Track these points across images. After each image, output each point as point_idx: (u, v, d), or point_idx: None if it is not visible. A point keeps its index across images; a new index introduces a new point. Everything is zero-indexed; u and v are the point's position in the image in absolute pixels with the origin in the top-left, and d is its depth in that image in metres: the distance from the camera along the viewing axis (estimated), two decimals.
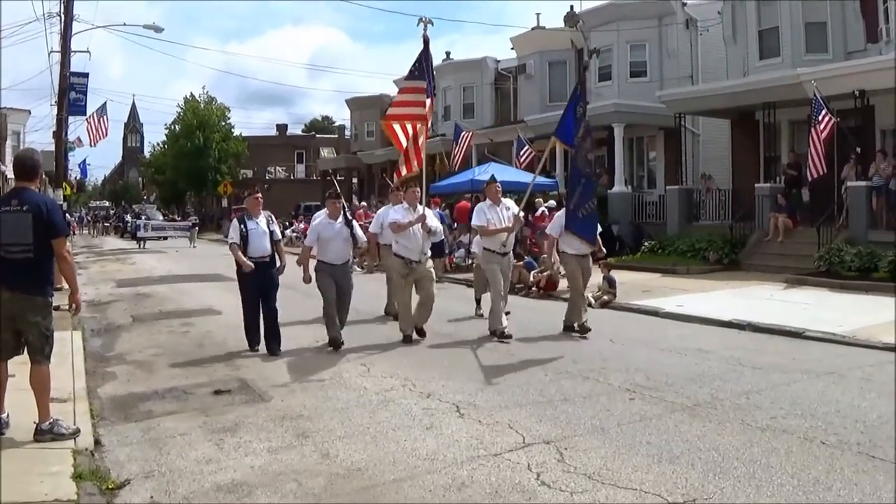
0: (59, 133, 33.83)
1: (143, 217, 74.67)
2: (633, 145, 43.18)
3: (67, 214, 50.37)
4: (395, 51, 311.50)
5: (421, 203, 17.05)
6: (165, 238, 60.16)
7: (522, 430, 9.75)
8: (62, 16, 33.47)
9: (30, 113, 70.50)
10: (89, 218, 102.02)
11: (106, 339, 17.50)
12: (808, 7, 33.51)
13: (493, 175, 19.39)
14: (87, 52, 40.26)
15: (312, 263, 16.25)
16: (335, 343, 15.61)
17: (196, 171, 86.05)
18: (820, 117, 26.15)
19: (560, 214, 17.80)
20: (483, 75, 57.14)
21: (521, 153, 37.92)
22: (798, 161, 30.83)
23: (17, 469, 8.19)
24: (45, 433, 9.22)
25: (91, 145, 46.59)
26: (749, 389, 11.76)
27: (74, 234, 74.53)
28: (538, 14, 63.75)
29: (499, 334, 16.42)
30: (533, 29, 53.39)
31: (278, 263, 15.85)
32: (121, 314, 21.39)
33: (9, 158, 56.06)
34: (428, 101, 17.32)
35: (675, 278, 26.79)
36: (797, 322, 16.82)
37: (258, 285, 15.56)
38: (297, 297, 19.64)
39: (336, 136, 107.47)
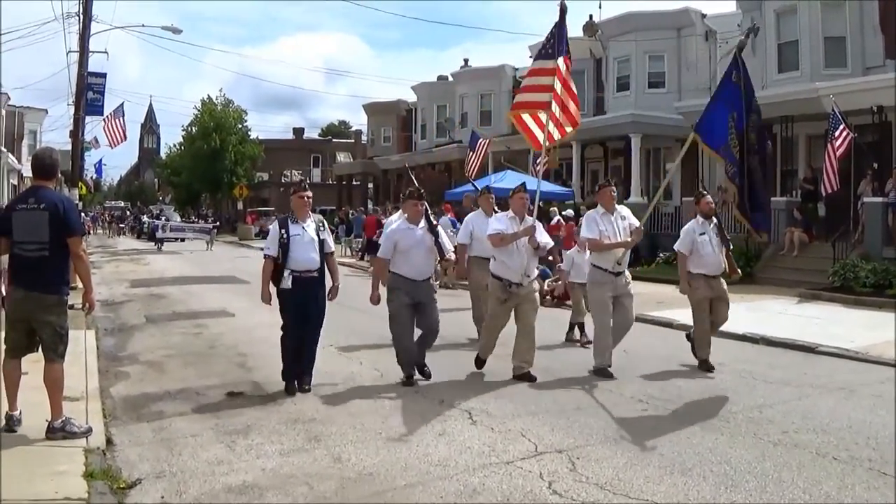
0: (76, 133, 33.84)
1: (163, 218, 73.44)
2: (650, 156, 43.16)
3: (83, 214, 50.45)
4: (410, 57, 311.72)
5: (531, 213, 14.05)
6: (182, 240, 59.90)
7: (535, 439, 9.74)
8: (81, 16, 33.52)
9: (47, 112, 70.76)
10: (105, 218, 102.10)
11: (119, 339, 17.54)
12: (827, 22, 33.50)
13: (607, 179, 16.16)
14: (105, 52, 40.20)
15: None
16: (409, 380, 12.99)
17: (212, 174, 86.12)
18: (837, 132, 26.14)
19: (687, 228, 15.20)
20: (501, 82, 57.17)
21: (538, 161, 37.86)
22: (815, 175, 30.80)
23: (29, 467, 8.22)
24: (57, 431, 9.23)
25: (111, 147, 46.69)
26: (761, 403, 11.72)
27: (89, 233, 74.59)
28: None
29: (602, 373, 13.72)
30: None
31: (330, 282, 12.85)
32: (134, 314, 21.43)
33: (25, 157, 56.29)
34: (563, 65, 14.52)
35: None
36: (810, 337, 16.78)
37: (301, 307, 12.47)
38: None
39: (352, 140, 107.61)
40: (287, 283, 12.34)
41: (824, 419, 10.75)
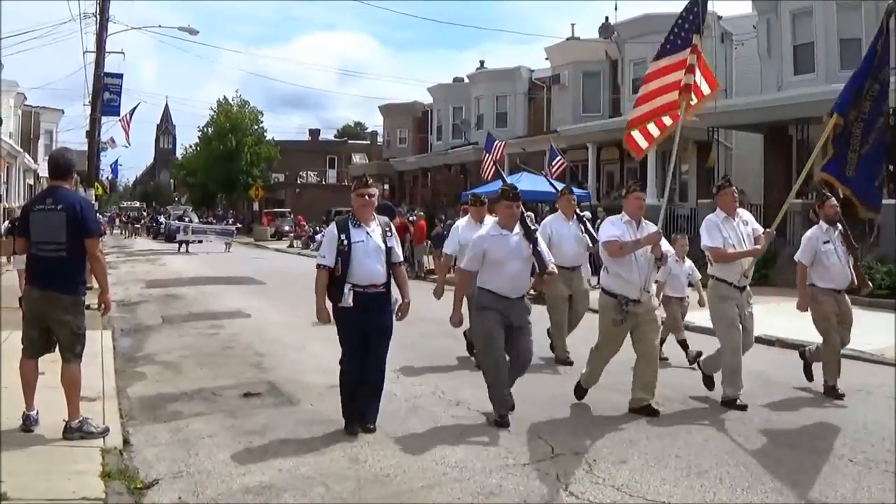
0: (93, 133, 33.97)
1: (187, 218, 72.21)
2: (666, 158, 43.07)
3: (99, 214, 50.58)
4: (426, 59, 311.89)
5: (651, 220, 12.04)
6: (200, 241, 58.91)
7: (551, 441, 9.74)
8: (97, 16, 33.64)
9: (63, 112, 71.09)
10: (122, 219, 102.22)
11: (135, 340, 17.62)
12: (843, 23, 33.37)
13: (727, 177, 14.47)
14: (122, 52, 40.43)
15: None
16: (501, 421, 10.59)
17: (227, 175, 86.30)
18: None
19: (809, 236, 13.57)
20: (517, 84, 57.17)
21: (554, 163, 37.82)
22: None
23: (46, 466, 8.25)
24: (74, 431, 9.24)
25: (127, 145, 46.83)
26: (777, 406, 11.72)
27: (105, 234, 74.68)
28: (573, 25, 63.86)
29: (734, 405, 11.69)
30: (567, 39, 53.45)
31: (398, 299, 10.67)
32: (150, 315, 21.48)
33: (41, 157, 56.45)
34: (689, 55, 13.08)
35: (704, 293, 26.69)
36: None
37: (363, 329, 10.37)
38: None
39: (368, 142, 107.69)
40: (347, 300, 10.11)
41: (840, 421, 10.74)
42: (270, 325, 18.16)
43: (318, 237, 56.40)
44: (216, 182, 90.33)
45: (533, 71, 57.12)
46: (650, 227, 11.57)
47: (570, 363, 14.69)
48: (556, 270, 11.41)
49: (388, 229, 10.63)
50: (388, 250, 10.44)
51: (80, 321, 9.61)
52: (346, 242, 10.20)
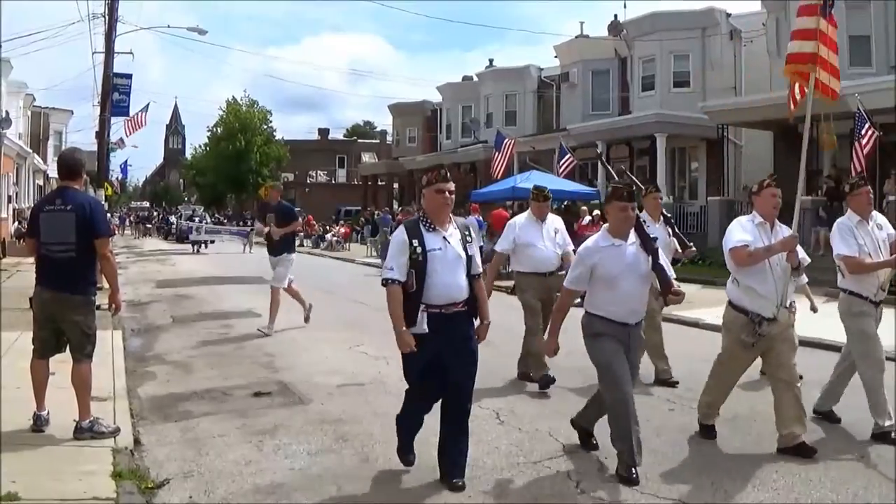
0: (102, 133, 33.97)
1: (198, 218, 70.22)
2: (676, 156, 43.11)
3: (110, 215, 50.58)
4: (435, 59, 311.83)
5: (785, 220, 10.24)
6: (212, 241, 57.91)
7: (562, 439, 9.72)
8: (106, 17, 33.65)
9: (72, 113, 71.13)
10: (132, 219, 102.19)
11: (145, 339, 17.60)
12: (852, 21, 33.33)
13: (862, 177, 12.08)
14: (131, 53, 40.47)
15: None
16: (629, 476, 8.36)
17: (237, 174, 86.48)
18: (863, 131, 26.04)
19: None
20: (526, 83, 57.15)
21: (562, 161, 37.81)
22: (839, 175, 30.65)
23: (56, 466, 8.27)
24: (85, 431, 9.26)
25: (126, 134, 46.82)
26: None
27: (115, 234, 74.62)
28: (582, 23, 63.97)
29: (887, 438, 9.72)
30: (576, 37, 53.46)
31: (479, 319, 8.57)
32: (160, 315, 21.46)
33: (51, 158, 56.53)
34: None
35: (715, 290, 26.53)
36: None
37: (439, 357, 8.26)
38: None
39: (377, 141, 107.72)
40: (422, 325, 8.12)
41: (852, 419, 10.68)
42: (281, 324, 18.11)
43: (328, 236, 56.29)
44: (226, 182, 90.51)
45: (542, 69, 57.11)
46: (784, 231, 9.89)
47: (674, 384, 12.93)
48: (683, 290, 9.10)
49: (467, 233, 8.49)
50: (469, 259, 8.36)
51: (91, 321, 9.62)
52: (419, 251, 8.13)
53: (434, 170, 8.65)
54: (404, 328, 8.12)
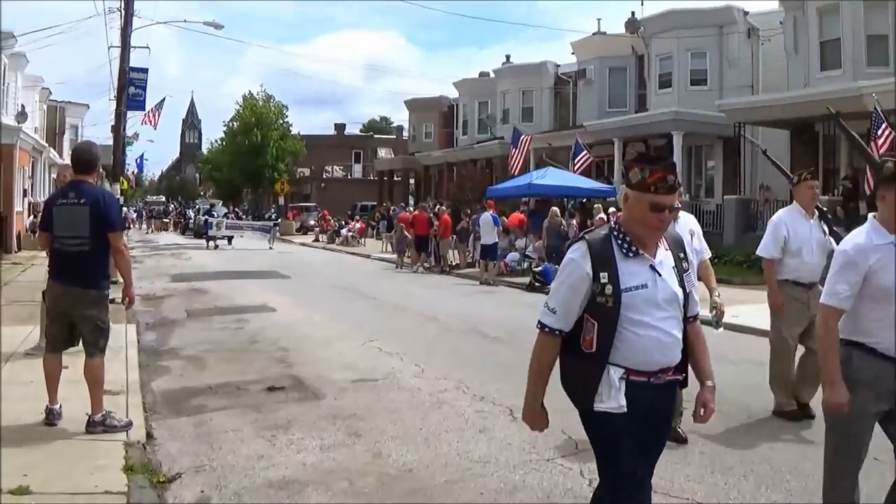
0: (118, 127, 34.03)
1: (216, 213, 64.65)
2: (692, 154, 42.99)
3: (125, 209, 50.56)
4: (452, 55, 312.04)
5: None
6: (231, 237, 56.70)
7: (575, 436, 9.64)
8: (122, 11, 33.68)
9: (88, 107, 71.25)
10: (147, 213, 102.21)
11: (160, 334, 17.60)
12: (870, 20, 33.26)
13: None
14: (147, 47, 40.40)
15: None
16: None
17: (253, 169, 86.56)
18: (880, 131, 25.95)
19: None
20: (542, 79, 57.00)
21: (578, 158, 37.78)
22: (856, 174, 30.58)
23: (68, 460, 8.24)
24: (98, 425, 9.23)
25: (142, 123, 46.93)
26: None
27: (130, 228, 74.71)
28: (599, 19, 63.83)
29: None
30: (594, 34, 53.29)
31: (699, 379, 5.79)
32: (175, 309, 21.51)
33: (66, 152, 56.59)
34: None
35: (730, 288, 26.50)
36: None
37: (639, 441, 5.43)
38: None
39: (394, 136, 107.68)
40: (617, 398, 5.25)
41: None
42: (295, 319, 18.15)
43: (343, 231, 56.16)
44: (242, 176, 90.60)
45: (559, 66, 56.95)
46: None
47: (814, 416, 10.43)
48: None
49: (682, 255, 5.49)
50: (686, 297, 5.40)
51: (104, 315, 9.60)
52: (608, 292, 5.10)
53: (660, 170, 5.12)
54: (537, 401, 5.93)
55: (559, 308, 5.28)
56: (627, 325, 5.10)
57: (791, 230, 10.63)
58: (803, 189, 10.82)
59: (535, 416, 5.91)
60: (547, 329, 5.38)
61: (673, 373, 5.39)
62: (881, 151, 25.85)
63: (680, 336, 5.31)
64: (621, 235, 5.22)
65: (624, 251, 5.17)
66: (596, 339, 5.18)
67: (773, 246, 10.68)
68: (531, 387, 5.82)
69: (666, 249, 5.36)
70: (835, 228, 11.03)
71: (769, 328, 11.19)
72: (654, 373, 5.23)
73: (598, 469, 5.72)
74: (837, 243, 8.98)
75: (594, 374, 5.25)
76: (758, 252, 11.01)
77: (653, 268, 5.20)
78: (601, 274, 5.10)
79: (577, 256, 5.22)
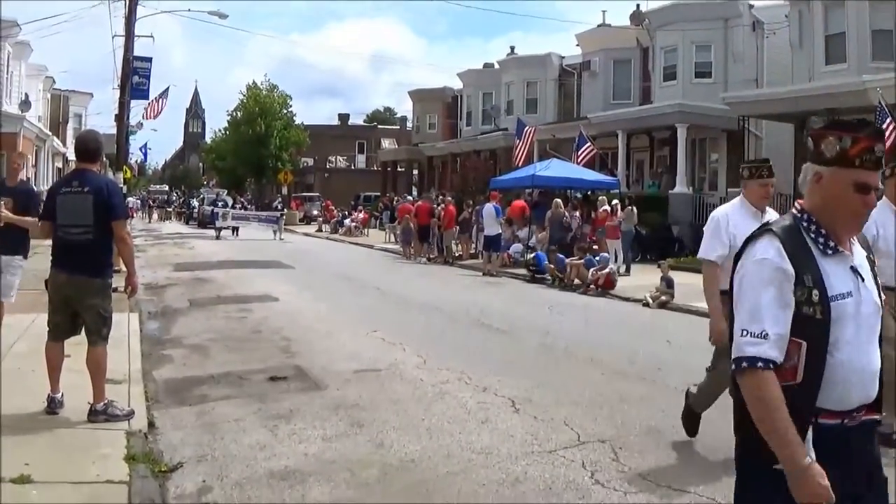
0: (122, 116, 34.00)
1: (221, 203, 64.48)
2: (696, 146, 42.93)
3: (128, 198, 50.54)
4: (456, 47, 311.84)
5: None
6: (237, 228, 55.87)
7: (578, 428, 9.68)
8: (127, 0, 33.66)
9: (92, 96, 71.33)
10: (150, 202, 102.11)
11: (163, 323, 17.61)
12: (875, 14, 33.20)
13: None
14: (151, 36, 40.40)
15: None
16: None
17: (256, 159, 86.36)
18: (884, 125, 25.91)
19: None
20: (547, 71, 56.91)
21: (582, 150, 37.72)
22: None
23: (70, 449, 8.27)
24: (100, 414, 9.23)
25: (143, 118, 46.97)
26: None
27: (133, 217, 74.72)
28: (604, 12, 63.82)
29: None
30: (599, 26, 53.30)
31: None
32: (178, 298, 21.50)
33: (70, 140, 56.65)
34: None
35: None
36: None
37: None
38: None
39: (398, 127, 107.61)
40: (808, 451, 3.65)
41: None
42: (299, 309, 18.15)
43: (346, 221, 56.04)
44: (245, 166, 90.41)
45: (563, 57, 56.86)
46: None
47: None
48: None
49: (872, 256, 4.23)
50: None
51: (107, 304, 9.59)
52: (816, 299, 3.80)
53: (865, 138, 4.10)
54: (809, 458, 3.64)
55: (770, 326, 3.75)
56: (837, 347, 3.80)
57: (881, 229, 8.79)
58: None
59: (814, 486, 3.58)
60: (761, 363, 3.71)
61: (867, 411, 3.95)
62: (886, 145, 25.81)
63: (879, 363, 3.97)
64: (814, 227, 3.98)
65: (821, 247, 3.91)
66: (803, 365, 3.76)
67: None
68: (787, 451, 3.63)
69: (857, 246, 4.10)
70: None
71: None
72: (850, 411, 3.86)
73: None
74: None
75: (800, 414, 3.72)
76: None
77: (854, 270, 3.95)
78: (804, 277, 3.79)
79: (773, 255, 3.85)
